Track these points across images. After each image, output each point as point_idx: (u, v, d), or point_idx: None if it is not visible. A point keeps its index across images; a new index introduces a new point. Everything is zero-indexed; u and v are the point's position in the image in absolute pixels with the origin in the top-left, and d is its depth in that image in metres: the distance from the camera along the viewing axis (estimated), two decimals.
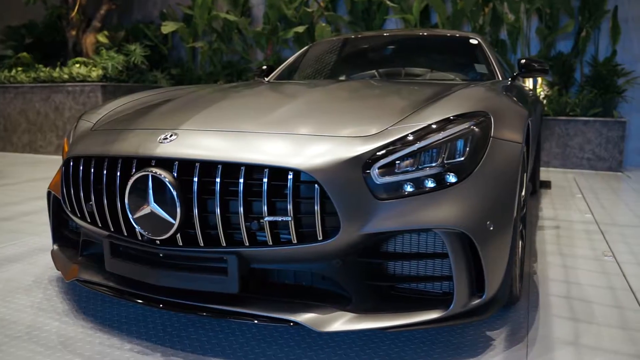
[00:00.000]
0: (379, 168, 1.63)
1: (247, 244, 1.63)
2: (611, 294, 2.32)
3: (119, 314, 2.06)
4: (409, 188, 1.64)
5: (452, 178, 1.67)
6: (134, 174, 1.69)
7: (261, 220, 1.60)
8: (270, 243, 1.62)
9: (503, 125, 1.85)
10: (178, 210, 1.63)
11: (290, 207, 1.57)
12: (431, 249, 1.72)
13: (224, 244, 1.65)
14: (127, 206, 1.72)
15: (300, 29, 7.09)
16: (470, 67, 3.34)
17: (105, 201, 1.80)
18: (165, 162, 1.69)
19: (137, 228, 1.72)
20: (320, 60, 3.74)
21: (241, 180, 1.59)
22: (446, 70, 3.36)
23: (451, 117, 1.78)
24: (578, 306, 2.19)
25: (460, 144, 1.71)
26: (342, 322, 1.63)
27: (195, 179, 1.63)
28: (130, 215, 1.72)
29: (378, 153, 1.65)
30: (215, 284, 1.67)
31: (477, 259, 1.70)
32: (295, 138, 1.68)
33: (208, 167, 1.65)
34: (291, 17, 7.38)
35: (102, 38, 7.73)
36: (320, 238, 1.59)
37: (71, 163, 1.93)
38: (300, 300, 1.69)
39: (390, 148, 1.66)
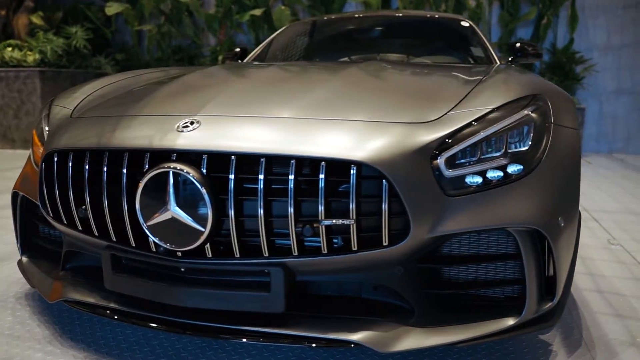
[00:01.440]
0: (446, 159, 1.40)
1: (296, 253, 1.35)
2: (628, 285, 2.22)
3: (115, 338, 1.72)
4: (478, 182, 1.42)
5: (520, 169, 1.46)
6: (149, 170, 1.36)
7: (315, 225, 1.32)
8: (325, 251, 1.34)
9: (559, 110, 1.66)
10: (209, 214, 1.32)
11: (353, 207, 1.30)
12: (494, 250, 1.51)
13: (266, 254, 1.35)
14: (137, 211, 1.38)
15: (258, 11, 6.72)
16: (468, 50, 3.17)
17: (106, 204, 1.45)
18: (188, 156, 1.37)
19: (152, 238, 1.39)
20: (310, 41, 3.45)
21: (291, 177, 1.30)
22: (445, 53, 3.17)
23: (511, 102, 1.57)
24: (615, 301, 2.06)
25: (525, 130, 1.51)
26: (409, 340, 1.39)
27: (232, 176, 1.32)
28: (142, 222, 1.39)
29: (446, 142, 1.41)
30: (255, 303, 1.38)
31: (545, 259, 1.51)
32: (349, 125, 1.40)
33: (247, 161, 1.34)
34: (245, 0, 6.98)
35: (36, 19, 7.00)
36: (385, 243, 1.34)
37: (55, 158, 1.56)
38: (354, 316, 1.43)
39: (457, 136, 1.43)
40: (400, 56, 3.20)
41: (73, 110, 1.82)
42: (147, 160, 1.39)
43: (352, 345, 1.36)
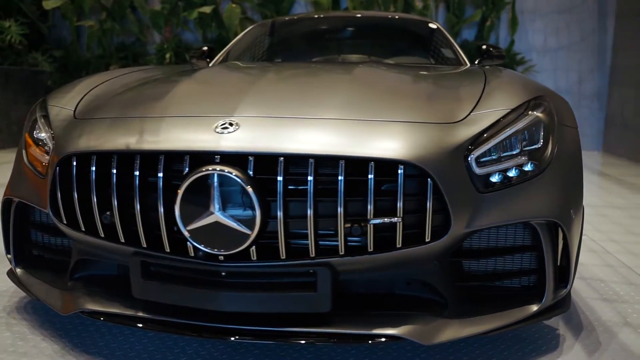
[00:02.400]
0: (476, 158, 1.46)
1: (343, 253, 1.36)
2: (614, 272, 2.40)
3: (133, 348, 1.65)
4: (502, 179, 1.49)
5: (536, 166, 1.55)
6: (190, 174, 1.32)
7: (363, 224, 1.34)
8: (371, 249, 1.36)
9: (560, 110, 1.77)
10: (257, 217, 1.31)
11: (400, 205, 1.33)
12: (514, 242, 1.60)
13: (313, 255, 1.36)
14: (177, 215, 1.34)
15: (207, 9, 6.58)
16: (439, 51, 3.28)
17: (138, 209, 1.40)
18: (230, 158, 1.34)
19: (193, 242, 1.36)
20: (282, 41, 3.44)
21: (341, 178, 1.31)
22: (417, 54, 3.26)
23: (523, 103, 1.65)
24: (598, 287, 2.22)
25: (537, 130, 1.60)
26: (448, 332, 1.44)
27: (280, 178, 1.31)
28: (181, 227, 1.35)
29: (476, 141, 1.47)
30: (301, 304, 1.38)
31: (561, 249, 1.62)
32: (389, 126, 1.43)
33: (294, 162, 1.34)
34: None
35: None
36: (428, 239, 1.38)
37: (74, 162, 1.48)
38: (393, 312, 1.47)
39: (485, 136, 1.49)
40: (374, 57, 3.25)
41: (75, 111, 1.73)
42: (187, 163, 1.35)
43: (396, 340, 1.39)
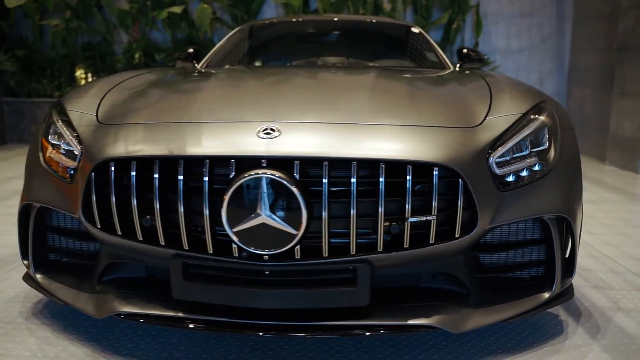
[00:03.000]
0: (496, 159, 1.57)
1: (381, 249, 1.44)
2: (598, 262, 2.58)
3: (164, 348, 1.68)
4: (517, 178, 1.61)
5: (545, 166, 1.68)
6: (237, 177, 1.38)
7: (400, 222, 1.43)
8: (407, 245, 1.45)
9: (558, 114, 1.91)
10: (304, 218, 1.37)
11: (435, 204, 1.43)
12: (524, 236, 1.73)
13: (354, 252, 1.43)
14: (223, 218, 1.39)
15: (177, 9, 6.51)
16: (423, 55, 3.40)
17: (182, 212, 1.43)
18: (276, 163, 1.40)
19: (238, 243, 1.41)
20: (268, 44, 3.49)
21: (382, 180, 1.40)
22: (402, 58, 3.37)
23: (533, 107, 1.78)
24: (587, 275, 2.39)
25: (543, 133, 1.72)
26: (474, 320, 1.55)
27: (325, 180, 1.38)
28: (227, 229, 1.40)
29: (496, 144, 1.58)
30: (342, 298, 1.45)
31: (564, 241, 1.76)
32: (418, 130, 1.52)
33: (337, 166, 1.41)
34: None
35: None
36: (457, 235, 1.48)
37: (112, 167, 1.50)
38: (423, 303, 1.56)
39: (502, 139, 1.61)
40: (363, 61, 3.35)
41: (97, 116, 1.74)
42: (233, 167, 1.40)
43: (428, 329, 1.49)
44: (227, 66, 3.25)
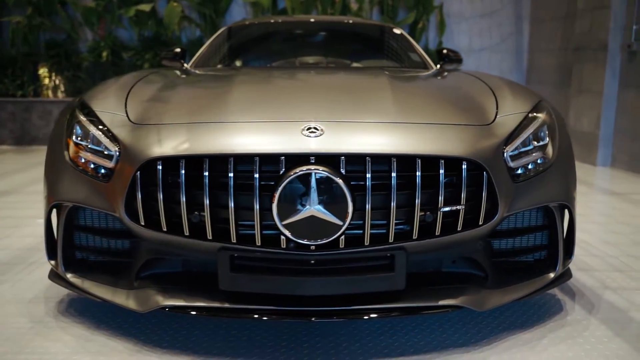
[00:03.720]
0: (510, 153, 1.73)
1: (416, 237, 1.57)
2: (579, 247, 2.79)
3: (202, 338, 1.76)
4: (525, 171, 1.77)
5: (547, 159, 1.85)
6: (288, 173, 1.47)
7: (433, 212, 1.56)
8: (438, 233, 1.59)
9: (554, 111, 2.09)
10: (349, 209, 1.49)
11: (464, 195, 1.57)
12: (530, 223, 1.90)
13: (392, 240, 1.56)
14: (274, 212, 1.49)
15: (146, 7, 6.45)
16: (407, 55, 3.56)
17: (232, 207, 1.52)
18: (322, 159, 1.51)
19: (287, 234, 1.51)
20: (258, 45, 3.56)
21: (418, 173, 1.53)
22: (388, 58, 3.52)
23: (535, 106, 1.95)
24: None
25: (544, 129, 1.90)
26: (494, 299, 1.71)
27: (368, 175, 1.50)
28: (277, 222, 1.49)
29: (509, 140, 1.74)
30: (381, 283, 1.58)
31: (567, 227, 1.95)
32: (445, 128, 1.66)
33: (378, 161, 1.53)
34: None
35: None
36: (481, 223, 1.63)
37: (159, 167, 1.56)
38: (446, 286, 1.71)
39: (513, 135, 1.77)
40: (350, 61, 3.48)
41: (128, 116, 1.79)
42: (283, 164, 1.49)
43: (455, 309, 1.63)
44: (219, 65, 3.31)
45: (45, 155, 2.02)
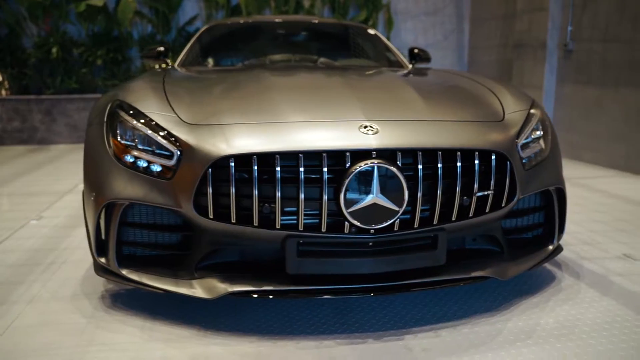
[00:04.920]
0: (520, 145, 2.02)
1: (454, 219, 1.83)
2: None
3: (261, 320, 1.93)
4: (530, 160, 2.07)
5: (544, 149, 2.16)
6: (353, 167, 1.67)
7: (465, 197, 1.82)
8: (472, 215, 1.85)
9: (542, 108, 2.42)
10: (405, 197, 1.71)
11: (492, 182, 1.84)
12: (533, 204, 2.22)
13: (436, 222, 1.80)
14: (341, 201, 1.68)
15: (99, 2, 6.30)
16: (382, 55, 3.82)
17: (302, 198, 1.69)
18: (380, 153, 1.72)
19: (352, 221, 1.71)
20: (242, 44, 3.69)
21: (459, 164, 1.78)
22: (365, 57, 3.76)
23: (532, 103, 2.27)
24: None
25: (539, 123, 2.21)
26: (511, 270, 2.00)
27: (420, 166, 1.73)
28: (344, 210, 1.69)
29: (520, 134, 2.03)
30: (426, 260, 1.82)
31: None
32: (472, 124, 1.92)
33: (426, 154, 1.76)
34: None
35: None
36: (503, 205, 1.91)
37: (232, 163, 1.71)
38: (473, 260, 1.98)
39: (522, 129, 2.06)
40: (333, 60, 3.69)
41: (179, 117, 1.90)
42: (349, 158, 1.69)
43: (485, 280, 1.91)
44: (210, 64, 3.41)
45: (84, 158, 2.09)
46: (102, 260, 1.97)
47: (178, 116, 1.92)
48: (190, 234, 1.90)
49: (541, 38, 5.75)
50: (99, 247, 1.97)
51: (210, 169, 1.73)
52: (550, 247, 2.18)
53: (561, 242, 2.86)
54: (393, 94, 2.16)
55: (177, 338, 1.81)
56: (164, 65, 3.71)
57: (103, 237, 1.96)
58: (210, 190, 1.73)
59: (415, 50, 3.96)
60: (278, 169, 1.69)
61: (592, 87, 5.20)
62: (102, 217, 1.94)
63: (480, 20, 7.45)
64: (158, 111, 1.96)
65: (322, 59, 3.52)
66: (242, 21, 3.93)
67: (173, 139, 1.84)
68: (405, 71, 3.04)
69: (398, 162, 1.72)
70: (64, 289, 2.22)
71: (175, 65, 3.49)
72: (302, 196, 1.70)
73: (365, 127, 1.78)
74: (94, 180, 1.99)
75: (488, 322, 1.92)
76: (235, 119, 1.86)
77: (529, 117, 2.14)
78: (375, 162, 1.68)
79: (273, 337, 1.81)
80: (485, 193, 1.84)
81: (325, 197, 1.70)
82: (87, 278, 2.33)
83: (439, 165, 1.76)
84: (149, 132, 1.88)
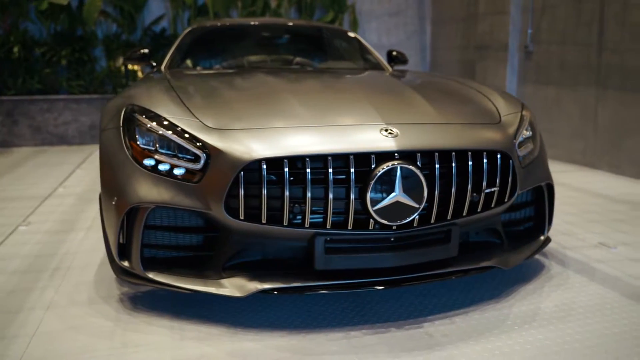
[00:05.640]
0: (518, 144, 2.19)
1: (465, 214, 1.98)
2: None
3: (287, 315, 2.02)
4: (524, 159, 2.25)
5: (534, 148, 2.35)
6: (378, 167, 1.79)
7: (475, 194, 1.97)
8: (480, 209, 2.01)
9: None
10: (424, 194, 1.84)
11: (498, 179, 2.00)
12: (527, 199, 2.41)
13: (450, 217, 1.95)
14: (367, 200, 1.80)
15: (63, 0, 6.13)
16: (365, 57, 3.95)
17: (331, 197, 1.80)
18: (402, 155, 1.84)
19: (377, 218, 1.82)
20: (217, 47, 3.75)
21: (470, 163, 1.92)
22: (349, 60, 3.88)
23: (522, 105, 2.45)
24: None
25: (530, 124, 2.39)
26: (512, 259, 2.17)
27: (437, 166, 1.87)
28: (369, 207, 1.81)
29: (517, 134, 2.20)
30: (441, 252, 1.96)
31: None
32: (480, 127, 2.08)
33: (441, 155, 1.90)
34: None
35: None
36: (506, 200, 2.08)
37: (264, 166, 1.79)
38: (478, 251, 2.14)
39: (518, 130, 2.23)
40: (317, 63, 3.80)
41: (201, 122, 1.96)
42: (374, 160, 1.81)
43: (491, 269, 2.07)
44: (197, 66, 3.44)
45: (100, 164, 2.11)
46: (125, 263, 2.00)
47: (200, 120, 1.98)
48: (215, 234, 1.96)
49: (503, 40, 6.05)
50: (123, 251, 2.01)
51: (242, 172, 1.80)
52: (542, 238, 2.37)
53: None
54: (400, 97, 2.30)
55: (208, 336, 1.88)
56: (150, 67, 3.71)
57: (121, 240, 1.99)
58: (242, 192, 1.80)
59: (394, 53, 4.12)
60: (308, 170, 1.79)
61: (551, 87, 5.53)
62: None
63: (441, 21, 7.72)
64: (179, 115, 2.01)
65: (306, 61, 3.62)
66: (223, 24, 3.97)
67: (199, 143, 1.90)
68: (396, 73, 3.18)
69: (418, 163, 1.85)
70: (79, 294, 2.23)
71: (162, 67, 3.50)
72: (331, 196, 1.80)
73: (386, 130, 1.90)
74: (114, 185, 2.02)
75: (495, 308, 2.09)
76: (259, 124, 1.94)
77: (521, 118, 2.32)
78: (398, 163, 1.80)
79: (301, 331, 1.91)
80: (492, 189, 2.00)
81: (352, 196, 1.80)
82: (99, 282, 2.35)
83: (453, 164, 1.90)
84: (174, 136, 1.93)
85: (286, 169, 1.79)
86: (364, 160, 1.83)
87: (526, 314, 2.04)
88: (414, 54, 8.08)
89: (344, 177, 1.83)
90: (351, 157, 1.81)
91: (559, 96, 5.43)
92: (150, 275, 1.96)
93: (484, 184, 1.98)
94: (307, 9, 7.36)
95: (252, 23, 4.09)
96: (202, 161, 1.88)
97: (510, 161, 2.05)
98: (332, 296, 2.17)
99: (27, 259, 2.65)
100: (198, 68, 3.53)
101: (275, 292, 1.87)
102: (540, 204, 2.40)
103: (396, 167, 1.80)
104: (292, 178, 1.82)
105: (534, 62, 5.77)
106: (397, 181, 1.81)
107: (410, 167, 1.82)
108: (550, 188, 2.39)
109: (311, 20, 7.21)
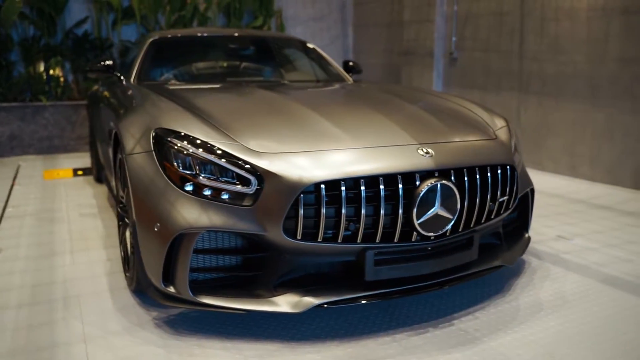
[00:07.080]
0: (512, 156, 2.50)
1: (483, 222, 2.23)
2: None
3: (326, 327, 2.14)
4: (519, 167, 2.56)
5: (519, 157, 2.68)
6: (422, 185, 1.98)
7: (490, 203, 2.24)
8: (493, 216, 2.28)
9: None
10: (458, 207, 2.07)
11: (508, 189, 2.29)
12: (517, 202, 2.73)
13: (473, 225, 2.19)
14: (414, 214, 1.98)
15: None
16: (326, 68, 4.11)
17: (383, 214, 1.96)
18: (439, 173, 2.05)
19: (420, 230, 2.02)
20: (187, 59, 3.75)
21: (489, 174, 2.18)
22: (312, 71, 4.03)
23: (505, 118, 2.77)
24: None
25: (512, 135, 2.72)
26: (512, 257, 2.48)
27: (466, 178, 2.10)
28: (415, 221, 1.99)
29: (512, 146, 2.51)
30: (465, 257, 2.20)
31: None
32: (488, 143, 2.35)
33: (470, 171, 2.14)
34: None
35: None
36: (511, 207, 2.37)
37: (322, 187, 1.90)
38: (487, 253, 2.41)
39: (512, 143, 2.54)
40: (278, 74, 3.91)
41: (245, 145, 2.03)
42: (418, 178, 1.99)
43: (500, 268, 2.36)
44: (172, 79, 3.42)
45: (133, 190, 2.10)
46: (171, 289, 2.01)
47: (243, 144, 2.04)
48: (264, 254, 2.03)
49: (429, 46, 6.50)
50: (168, 276, 2.02)
51: (303, 195, 1.90)
52: (527, 236, 2.71)
53: None
54: (409, 114, 2.52)
55: (268, 353, 1.96)
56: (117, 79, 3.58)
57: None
58: (301, 212, 1.91)
59: (350, 63, 4.33)
60: (363, 189, 1.94)
61: (476, 90, 6.07)
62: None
63: (363, 26, 8.08)
64: (219, 139, 2.05)
65: (278, 72, 3.73)
66: (184, 34, 3.95)
67: (248, 165, 1.97)
68: (372, 87, 3.39)
69: (452, 178, 2.08)
70: (109, 323, 2.18)
71: (131, 80, 3.42)
72: (382, 212, 1.96)
73: (424, 150, 2.10)
74: (155, 211, 2.01)
75: (505, 301, 2.38)
76: (307, 147, 2.05)
77: (511, 132, 2.63)
78: (438, 180, 2.01)
79: (350, 339, 2.05)
80: (504, 198, 2.29)
81: (400, 211, 1.98)
82: (122, 309, 2.31)
83: (477, 177, 2.15)
84: (219, 161, 1.97)
85: (343, 189, 1.93)
86: (408, 178, 2.02)
87: (533, 304, 2.35)
88: (337, 58, 8.36)
89: (389, 194, 2.00)
90: (399, 176, 1.99)
91: (484, 100, 5.97)
92: (201, 299, 1.99)
93: (498, 193, 2.25)
94: (236, 14, 7.35)
95: (216, 35, 4.09)
96: (254, 185, 1.95)
97: (515, 172, 2.35)
98: (364, 305, 2.32)
99: (25, 290, 2.51)
100: (172, 81, 3.49)
101: (325, 305, 1.99)
102: (524, 206, 2.74)
103: (437, 184, 2.01)
104: (364, 195, 1.95)
105: (459, 68, 6.28)
106: (437, 196, 2.02)
107: (449, 183, 2.03)
108: (533, 192, 2.73)
109: (237, 23, 7.24)
